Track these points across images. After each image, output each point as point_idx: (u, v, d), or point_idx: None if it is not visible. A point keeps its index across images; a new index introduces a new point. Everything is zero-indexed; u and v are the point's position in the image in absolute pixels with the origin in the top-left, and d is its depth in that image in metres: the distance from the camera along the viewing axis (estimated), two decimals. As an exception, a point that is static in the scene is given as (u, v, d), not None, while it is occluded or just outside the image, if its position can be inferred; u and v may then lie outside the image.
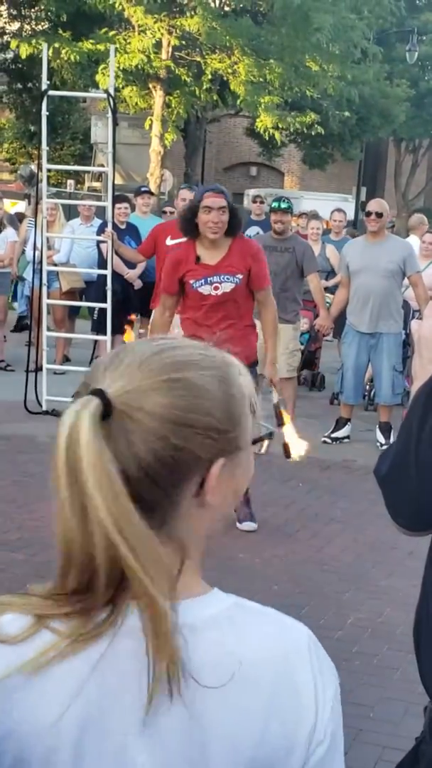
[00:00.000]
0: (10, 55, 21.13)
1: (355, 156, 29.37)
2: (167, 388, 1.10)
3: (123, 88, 18.63)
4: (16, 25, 20.21)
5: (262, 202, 15.11)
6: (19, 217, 14.04)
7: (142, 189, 12.23)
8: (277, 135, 19.18)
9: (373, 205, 8.60)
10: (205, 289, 5.68)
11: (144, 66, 18.03)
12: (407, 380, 8.57)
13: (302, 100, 20.48)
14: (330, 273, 10.70)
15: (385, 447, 8.09)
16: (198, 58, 18.70)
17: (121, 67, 17.36)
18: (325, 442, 8.57)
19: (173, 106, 19.31)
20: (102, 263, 9.80)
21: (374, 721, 3.94)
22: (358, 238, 9.48)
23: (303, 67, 18.58)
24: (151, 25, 17.76)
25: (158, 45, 18.16)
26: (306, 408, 9.39)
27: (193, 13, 17.54)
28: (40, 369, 9.03)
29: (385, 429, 8.49)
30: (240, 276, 5.69)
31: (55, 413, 8.75)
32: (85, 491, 1.05)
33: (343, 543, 6.15)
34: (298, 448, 5.63)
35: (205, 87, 18.92)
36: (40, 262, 9.35)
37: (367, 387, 9.71)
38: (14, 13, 20.04)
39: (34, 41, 17.72)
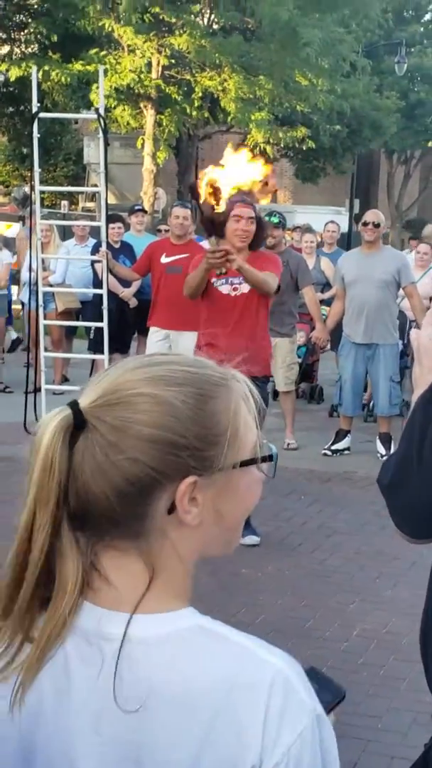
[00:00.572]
0: (1, 78, 21.28)
1: (347, 169, 29.45)
2: (133, 402, 1.10)
3: (114, 108, 18.73)
4: (5, 49, 20.31)
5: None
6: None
7: (136, 208, 12.28)
8: (269, 150, 19.27)
9: (370, 216, 8.67)
10: (225, 288, 5.97)
11: (135, 86, 18.15)
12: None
13: (293, 114, 20.61)
14: (326, 285, 10.72)
15: (385, 458, 8.07)
16: (188, 77, 18.81)
17: (112, 88, 17.48)
18: (325, 454, 8.58)
19: (164, 124, 19.40)
20: (97, 283, 9.82)
21: (383, 732, 3.93)
22: (353, 249, 9.51)
23: (293, 82, 18.70)
24: (140, 45, 17.88)
25: (149, 65, 18.28)
26: (305, 421, 9.39)
27: (182, 32, 17.65)
28: (39, 390, 9.02)
29: (385, 440, 8.49)
30: None
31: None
32: (29, 487, 1.11)
33: (346, 555, 6.13)
34: None
35: (195, 105, 19.03)
36: (36, 284, 9.37)
37: (365, 399, 9.71)
38: (3, 36, 20.14)
39: (24, 64, 17.83)
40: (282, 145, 21.31)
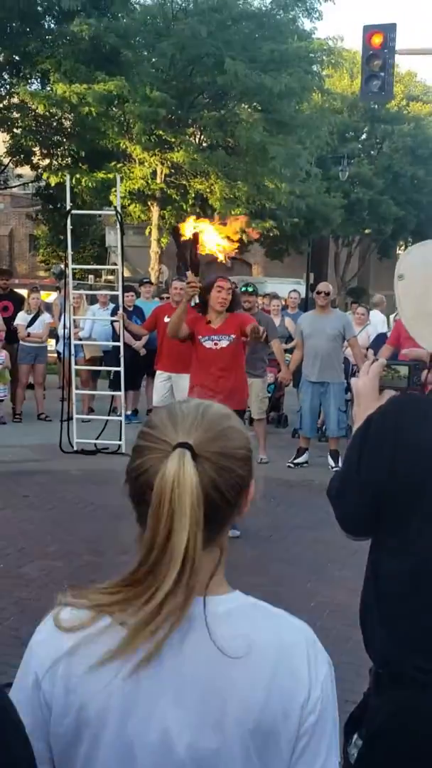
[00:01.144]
0: (43, 183, 21.45)
1: (304, 250, 29.61)
2: (223, 436, 1.16)
3: (129, 205, 18.85)
4: (46, 161, 20.41)
5: (235, 287, 15.14)
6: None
7: (144, 280, 12.35)
8: (245, 236, 19.32)
9: (322, 286, 8.74)
10: (209, 344, 6.01)
11: (144, 189, 18.27)
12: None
13: (263, 210, 20.72)
14: (288, 338, 10.74)
15: (335, 469, 8.06)
16: (184, 182, 18.93)
17: (127, 190, 17.60)
18: (289, 466, 8.55)
19: (166, 217, 19.49)
20: (115, 337, 9.85)
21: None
22: (310, 311, 9.55)
23: (263, 186, 18.81)
24: (147, 159, 18.02)
25: (154, 173, 18.42)
26: (274, 441, 9.37)
27: (179, 148, 17.81)
28: (71, 418, 9.00)
29: (335, 455, 8.48)
30: (233, 336, 6.03)
31: (84, 452, 8.72)
32: (179, 513, 1.09)
33: (305, 544, 6.11)
34: None
35: (190, 203, 19.12)
36: (69, 338, 9.38)
37: (319, 424, 9.71)
38: (45, 151, 20.27)
39: (60, 173, 17.91)
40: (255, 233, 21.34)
